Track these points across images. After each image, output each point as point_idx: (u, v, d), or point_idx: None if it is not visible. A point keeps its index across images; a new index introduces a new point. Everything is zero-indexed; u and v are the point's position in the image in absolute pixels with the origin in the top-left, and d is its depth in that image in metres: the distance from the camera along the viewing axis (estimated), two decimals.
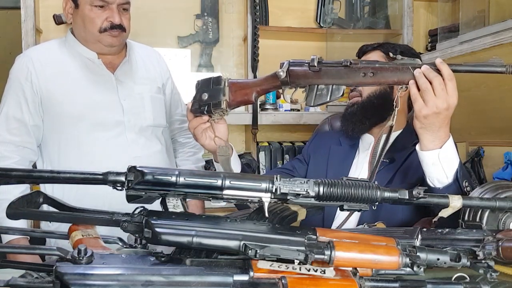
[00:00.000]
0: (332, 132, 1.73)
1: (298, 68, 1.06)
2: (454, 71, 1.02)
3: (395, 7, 2.79)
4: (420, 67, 1.03)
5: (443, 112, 1.01)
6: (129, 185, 0.65)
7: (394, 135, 1.41)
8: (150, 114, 1.61)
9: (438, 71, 1.02)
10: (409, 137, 1.39)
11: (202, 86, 1.10)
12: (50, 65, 1.54)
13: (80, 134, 1.51)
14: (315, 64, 1.04)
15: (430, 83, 1.01)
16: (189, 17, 2.70)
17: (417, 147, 1.09)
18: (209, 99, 1.08)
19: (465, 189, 1.05)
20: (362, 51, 1.49)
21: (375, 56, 1.43)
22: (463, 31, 2.17)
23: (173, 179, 0.64)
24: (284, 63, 1.07)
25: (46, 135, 1.55)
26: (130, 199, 0.68)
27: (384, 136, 1.23)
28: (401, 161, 1.32)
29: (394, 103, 1.10)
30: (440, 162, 1.05)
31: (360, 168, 1.41)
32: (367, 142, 1.44)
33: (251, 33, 2.58)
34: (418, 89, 1.02)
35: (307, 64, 1.05)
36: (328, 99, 1.07)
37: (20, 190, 1.41)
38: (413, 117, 1.09)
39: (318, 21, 2.79)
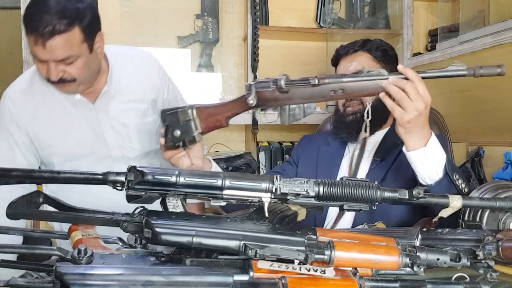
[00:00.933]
0: (320, 133, 1.70)
1: (266, 90, 1.06)
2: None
3: (395, 7, 2.79)
4: (387, 78, 1.05)
5: (423, 112, 1.05)
6: (129, 185, 0.65)
7: (382, 132, 1.42)
8: (137, 143, 1.50)
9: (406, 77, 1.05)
10: (395, 134, 1.40)
11: (171, 121, 1.07)
12: (30, 106, 1.44)
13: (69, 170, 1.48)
14: (283, 86, 1.04)
15: (403, 90, 1.03)
16: (189, 17, 2.70)
17: (404, 148, 1.11)
18: (182, 135, 1.06)
19: (457, 181, 1.07)
20: (342, 53, 1.45)
21: (363, 59, 1.41)
22: (463, 31, 2.17)
23: (173, 179, 0.64)
24: (250, 85, 1.07)
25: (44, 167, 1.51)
26: (130, 199, 0.68)
27: (363, 137, 1.27)
28: (392, 159, 1.33)
29: (365, 115, 1.13)
30: (427, 159, 1.08)
31: (349, 170, 1.40)
32: (356, 142, 1.40)
33: (251, 33, 2.58)
34: (392, 98, 1.05)
35: (274, 85, 1.05)
36: (302, 117, 1.08)
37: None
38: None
39: (318, 21, 2.79)
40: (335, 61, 1.49)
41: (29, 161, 1.46)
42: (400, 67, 1.05)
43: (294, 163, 1.52)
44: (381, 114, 1.37)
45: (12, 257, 1.28)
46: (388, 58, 1.43)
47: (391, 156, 1.34)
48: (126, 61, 1.51)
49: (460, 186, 1.07)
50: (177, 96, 1.66)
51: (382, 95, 1.05)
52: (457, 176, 1.08)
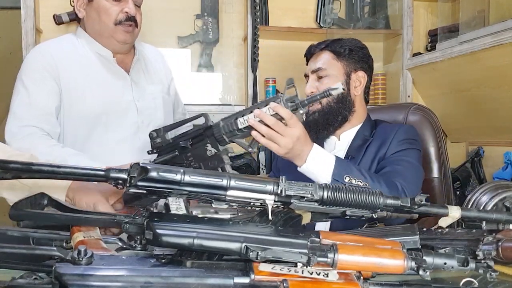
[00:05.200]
0: None
1: None
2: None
3: (395, 7, 2.79)
4: (251, 112, 1.09)
5: (297, 143, 1.12)
6: (132, 181, 0.62)
7: (354, 129, 1.47)
8: (162, 114, 1.62)
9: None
10: (368, 129, 1.47)
11: None
12: (68, 60, 1.52)
13: (95, 134, 1.50)
14: None
15: (272, 128, 1.08)
16: (189, 17, 2.70)
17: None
18: None
19: (348, 182, 1.17)
20: (310, 53, 1.54)
21: (325, 57, 1.48)
22: (463, 31, 2.17)
23: (178, 176, 0.62)
24: None
25: (64, 131, 1.52)
26: (127, 200, 0.67)
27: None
28: (361, 154, 1.39)
29: None
30: (312, 172, 1.18)
31: None
32: (331, 143, 1.49)
33: (251, 33, 2.58)
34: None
35: None
36: None
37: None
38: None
39: (318, 21, 2.79)
40: (307, 60, 1.57)
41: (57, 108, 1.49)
42: (272, 105, 1.08)
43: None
44: (337, 114, 1.44)
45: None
46: (353, 57, 1.48)
47: (360, 152, 1.40)
48: (144, 47, 1.73)
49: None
50: (179, 97, 1.83)
51: (254, 134, 1.09)
52: (348, 178, 1.17)
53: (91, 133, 1.49)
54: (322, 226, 1.35)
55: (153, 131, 1.17)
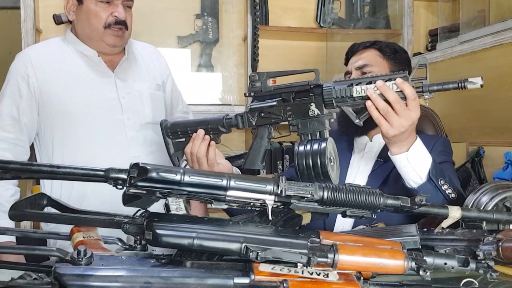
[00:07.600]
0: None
1: None
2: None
3: (395, 7, 2.78)
4: (370, 82, 1.02)
5: (409, 128, 1.04)
6: (131, 182, 0.62)
7: None
8: (149, 111, 1.60)
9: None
10: None
11: None
12: (49, 63, 1.53)
13: (78, 133, 1.50)
14: None
15: (391, 105, 1.01)
16: (189, 17, 2.70)
17: (388, 152, 1.12)
18: None
19: (442, 187, 1.08)
20: (353, 51, 1.47)
21: (370, 54, 1.43)
22: (463, 31, 2.17)
23: (178, 177, 0.62)
24: None
25: (44, 133, 1.53)
26: (127, 200, 0.66)
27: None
28: None
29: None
30: (410, 164, 1.09)
31: (356, 169, 1.41)
32: (362, 142, 1.44)
33: (251, 33, 2.58)
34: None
35: None
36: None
37: (11, 193, 1.41)
38: None
39: (318, 21, 2.79)
40: (346, 60, 1.50)
41: (29, 121, 1.51)
42: (399, 81, 1.02)
43: None
44: None
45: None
46: (397, 58, 1.43)
47: None
48: (138, 46, 1.72)
49: (446, 192, 1.09)
50: (180, 93, 1.80)
51: (369, 104, 1.02)
52: (442, 182, 1.09)
53: (75, 132, 1.50)
54: (341, 223, 1.31)
55: (254, 73, 1.11)
